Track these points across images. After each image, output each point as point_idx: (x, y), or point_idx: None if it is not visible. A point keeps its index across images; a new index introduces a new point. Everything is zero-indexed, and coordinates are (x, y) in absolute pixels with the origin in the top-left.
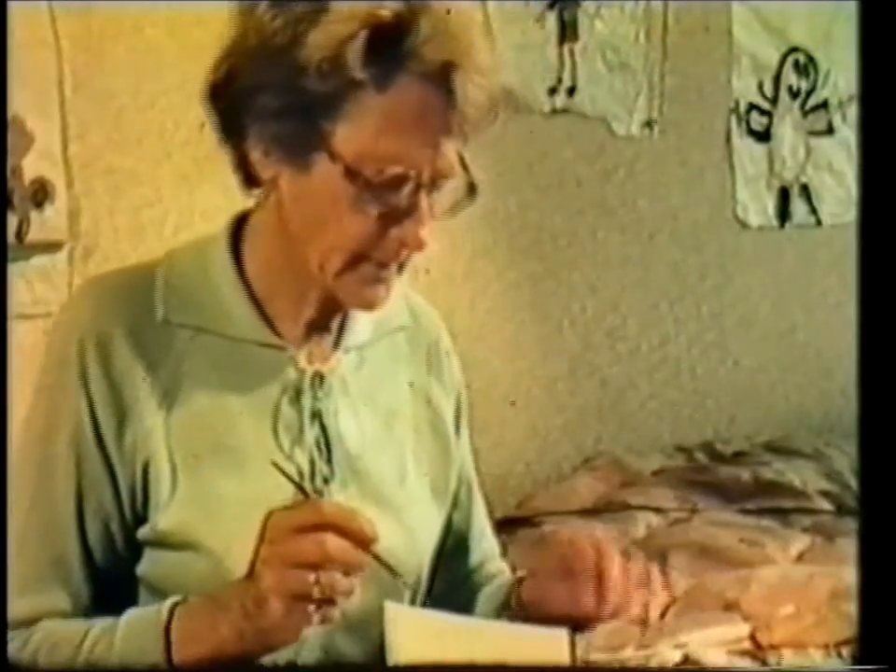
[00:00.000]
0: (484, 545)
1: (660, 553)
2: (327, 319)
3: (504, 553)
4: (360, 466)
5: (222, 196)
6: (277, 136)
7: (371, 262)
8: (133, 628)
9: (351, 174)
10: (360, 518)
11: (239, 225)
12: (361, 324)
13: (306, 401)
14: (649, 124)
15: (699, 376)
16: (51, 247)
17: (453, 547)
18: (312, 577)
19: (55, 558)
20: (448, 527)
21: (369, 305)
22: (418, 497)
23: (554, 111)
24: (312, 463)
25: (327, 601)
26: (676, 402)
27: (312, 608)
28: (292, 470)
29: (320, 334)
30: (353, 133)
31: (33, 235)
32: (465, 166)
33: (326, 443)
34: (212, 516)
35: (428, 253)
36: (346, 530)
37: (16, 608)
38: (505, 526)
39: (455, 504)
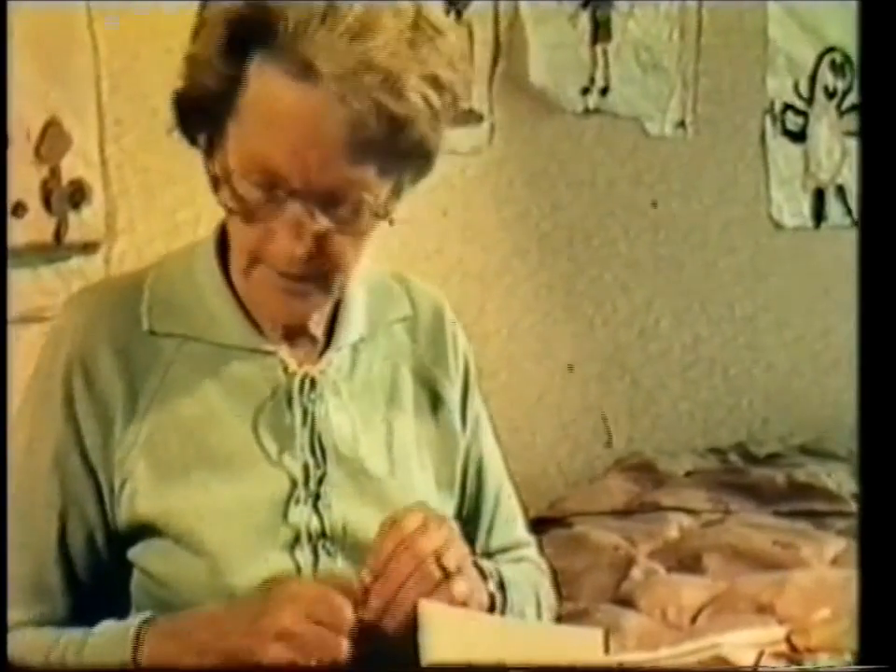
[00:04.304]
0: (505, 531)
1: (693, 555)
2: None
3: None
4: (356, 465)
5: None
6: (201, 139)
7: (268, 267)
8: (102, 643)
9: (217, 179)
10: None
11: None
12: (353, 321)
13: (297, 405)
14: (682, 124)
15: (732, 377)
16: (89, 248)
17: (465, 534)
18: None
19: (34, 571)
20: (459, 516)
21: (284, 316)
22: (420, 491)
23: (587, 111)
24: (305, 467)
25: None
26: (708, 403)
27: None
28: (283, 476)
29: (304, 336)
30: (233, 136)
31: (71, 236)
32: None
33: (319, 445)
34: (205, 521)
35: (462, 253)
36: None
37: None
38: (536, 526)
39: (462, 492)
